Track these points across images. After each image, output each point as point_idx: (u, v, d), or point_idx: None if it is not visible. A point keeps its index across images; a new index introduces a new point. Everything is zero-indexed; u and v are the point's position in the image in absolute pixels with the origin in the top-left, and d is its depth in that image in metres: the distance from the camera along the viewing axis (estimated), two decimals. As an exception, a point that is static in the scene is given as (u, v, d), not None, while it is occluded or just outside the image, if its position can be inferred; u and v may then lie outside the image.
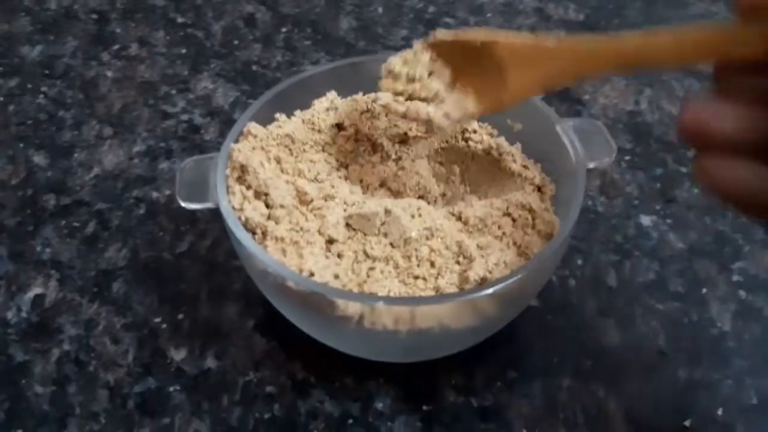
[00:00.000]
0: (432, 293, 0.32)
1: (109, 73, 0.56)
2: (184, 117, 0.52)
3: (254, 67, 0.56)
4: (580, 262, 0.42)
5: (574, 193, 0.34)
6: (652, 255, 0.42)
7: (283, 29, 0.60)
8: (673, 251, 0.42)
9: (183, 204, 0.34)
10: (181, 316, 0.39)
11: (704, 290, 0.40)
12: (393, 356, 0.35)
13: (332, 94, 0.41)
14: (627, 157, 0.48)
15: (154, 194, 0.46)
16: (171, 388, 0.36)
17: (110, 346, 0.37)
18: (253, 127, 0.37)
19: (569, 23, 0.61)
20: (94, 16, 0.62)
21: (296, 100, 0.40)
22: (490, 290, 0.30)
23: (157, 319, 0.39)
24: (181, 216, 0.44)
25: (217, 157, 0.36)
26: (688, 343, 0.37)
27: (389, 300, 0.30)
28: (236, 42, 0.59)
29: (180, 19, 0.62)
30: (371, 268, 0.32)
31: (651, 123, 0.51)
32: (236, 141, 0.37)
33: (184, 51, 0.58)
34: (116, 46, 0.58)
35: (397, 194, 0.38)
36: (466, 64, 0.32)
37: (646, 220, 0.44)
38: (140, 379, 0.36)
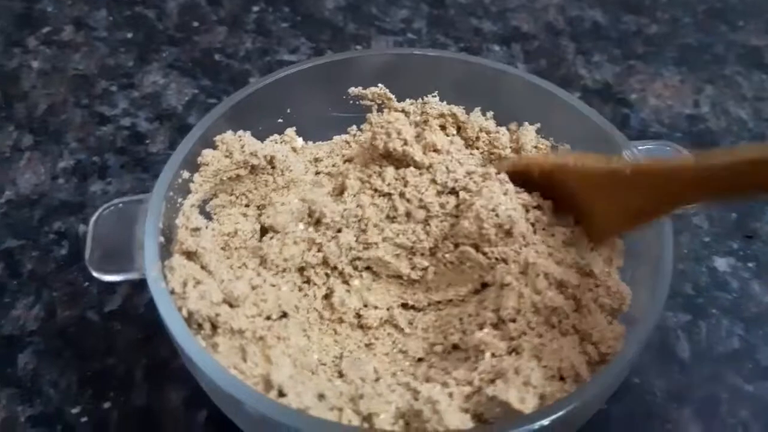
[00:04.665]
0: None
1: (35, 64, 0.45)
2: (126, 122, 0.41)
3: (217, 57, 0.46)
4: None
5: (660, 256, 0.24)
6: (733, 313, 0.32)
7: (255, 8, 0.51)
8: (760, 307, 0.33)
9: (95, 274, 0.24)
10: (107, 405, 0.29)
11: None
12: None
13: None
14: (688, 176, 0.38)
15: (82, 227, 0.35)
16: None
17: (6, 452, 0.28)
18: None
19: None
20: (22, -9, 0.51)
21: (263, 111, 0.31)
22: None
23: (75, 410, 0.29)
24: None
25: (147, 202, 0.25)
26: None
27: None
28: (196, 24, 0.48)
29: (127, -5, 0.50)
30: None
31: (717, 132, 0.41)
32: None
33: (130, 35, 0.48)
34: (46, 29, 0.48)
35: None
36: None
37: (721, 263, 0.34)
38: (45, 504, 0.26)
